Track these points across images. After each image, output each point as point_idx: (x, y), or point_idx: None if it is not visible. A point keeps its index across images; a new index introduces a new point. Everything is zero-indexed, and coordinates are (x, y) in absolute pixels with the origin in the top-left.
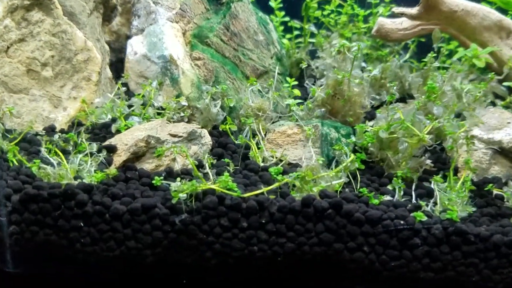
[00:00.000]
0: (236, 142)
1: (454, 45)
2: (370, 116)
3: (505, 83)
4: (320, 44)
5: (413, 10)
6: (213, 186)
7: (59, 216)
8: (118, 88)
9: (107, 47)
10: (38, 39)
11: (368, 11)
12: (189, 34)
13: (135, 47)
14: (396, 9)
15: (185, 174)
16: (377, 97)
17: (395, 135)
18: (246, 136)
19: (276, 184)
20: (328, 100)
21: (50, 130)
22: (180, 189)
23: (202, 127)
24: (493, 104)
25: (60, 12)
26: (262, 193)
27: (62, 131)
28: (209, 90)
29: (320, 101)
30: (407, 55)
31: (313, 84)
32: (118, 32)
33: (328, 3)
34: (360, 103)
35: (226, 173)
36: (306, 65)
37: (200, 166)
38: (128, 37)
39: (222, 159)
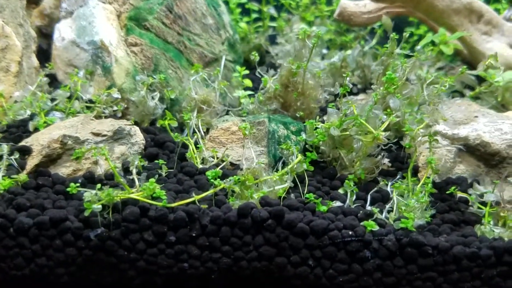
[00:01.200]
0: (176, 139)
1: (424, 30)
2: (326, 111)
3: (473, 71)
4: (281, 28)
5: None
6: (133, 195)
7: None
8: (40, 80)
9: (33, 32)
10: None
11: None
12: (125, 17)
13: (63, 32)
14: None
15: (110, 179)
16: (332, 89)
17: (347, 133)
18: (185, 133)
19: (210, 191)
20: (281, 92)
21: None
22: (94, 199)
23: (135, 122)
24: (461, 94)
25: None
26: (194, 202)
27: None
28: (145, 80)
29: (272, 93)
30: (374, 41)
31: (266, 71)
32: (51, 16)
33: None
34: (314, 97)
35: (152, 179)
36: (265, 52)
37: (128, 168)
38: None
39: (156, 161)
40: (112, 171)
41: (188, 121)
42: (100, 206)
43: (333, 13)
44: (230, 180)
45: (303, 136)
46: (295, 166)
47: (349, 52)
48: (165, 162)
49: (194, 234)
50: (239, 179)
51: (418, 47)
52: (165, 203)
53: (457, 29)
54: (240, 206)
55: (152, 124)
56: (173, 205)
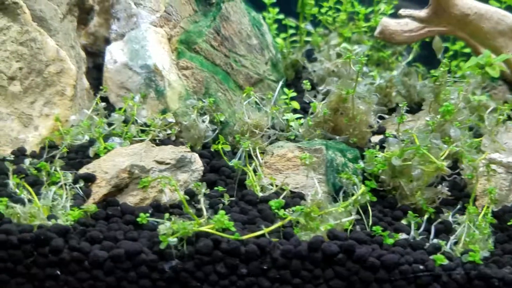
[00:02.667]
0: (230, 164)
1: (460, 45)
2: (377, 131)
3: None
4: (317, 43)
5: (422, 13)
6: (207, 228)
7: (32, 264)
8: (97, 103)
9: (83, 54)
10: (3, 49)
11: (370, 9)
12: (176, 40)
13: (115, 54)
14: (403, 11)
15: (175, 207)
16: (386, 116)
17: (409, 163)
18: (240, 158)
19: (278, 224)
20: (330, 116)
21: (20, 153)
22: (169, 232)
23: (190, 146)
24: (509, 117)
25: (28, 17)
26: (263, 235)
27: (33, 154)
28: (195, 104)
29: (321, 117)
30: (410, 56)
31: (314, 96)
32: (95, 34)
33: (325, 0)
34: (366, 121)
35: (221, 211)
36: (302, 68)
37: (191, 195)
38: (107, 40)
39: (215, 187)
40: (178, 200)
41: (246, 148)
42: (175, 239)
43: (371, 29)
44: (296, 212)
45: (361, 164)
46: (359, 197)
47: (395, 72)
48: (225, 190)
49: (265, 267)
50: (303, 209)
51: (468, 72)
52: (237, 236)
53: (501, 51)
54: (311, 241)
55: (204, 148)
56: (244, 237)
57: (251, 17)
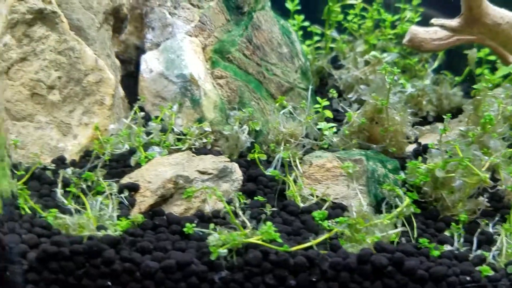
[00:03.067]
0: (267, 173)
1: (485, 53)
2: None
3: None
4: (341, 50)
5: (454, 22)
6: (256, 240)
7: (83, 275)
8: (135, 113)
9: (118, 62)
10: (42, 58)
11: (396, 17)
12: (210, 50)
13: (150, 63)
14: (435, 21)
15: (217, 217)
16: (423, 128)
17: (452, 174)
18: (276, 168)
19: (325, 236)
20: (366, 126)
21: (60, 162)
22: (219, 243)
23: (228, 156)
24: None
25: (66, 26)
26: (311, 246)
27: (73, 162)
28: (237, 115)
29: (357, 127)
30: (436, 63)
31: (349, 105)
32: (126, 42)
33: (351, 7)
34: (402, 132)
35: (269, 223)
36: (328, 75)
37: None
38: (138, 48)
39: (255, 197)
40: (220, 208)
41: (287, 158)
42: (225, 250)
43: (396, 36)
44: (341, 223)
45: (402, 175)
46: (404, 209)
47: (427, 81)
48: (265, 200)
49: (314, 279)
50: (349, 221)
51: (507, 85)
52: (286, 248)
53: None
54: (360, 253)
55: (240, 157)
56: (293, 249)
57: (280, 26)
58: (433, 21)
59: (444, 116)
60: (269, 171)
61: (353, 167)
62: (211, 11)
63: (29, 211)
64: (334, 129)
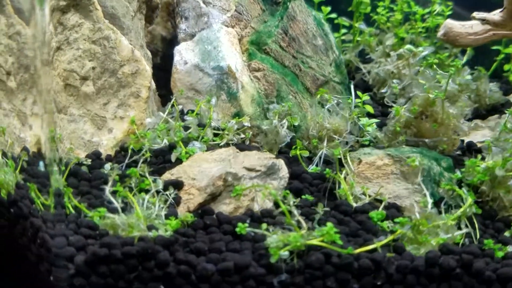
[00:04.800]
0: (309, 170)
1: None
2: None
3: None
4: (368, 44)
5: (496, 17)
6: (317, 242)
7: (135, 279)
8: (173, 106)
9: (149, 53)
10: (75, 47)
11: (427, 10)
12: (246, 41)
13: (185, 55)
14: (477, 14)
15: (267, 216)
16: (482, 124)
17: (511, 173)
18: (318, 165)
19: (390, 238)
20: (413, 121)
21: (95, 157)
22: (279, 244)
23: (266, 151)
24: None
25: (100, 14)
26: (375, 249)
27: (109, 157)
28: (276, 108)
29: (403, 122)
30: (465, 58)
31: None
32: (152, 32)
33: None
34: (455, 127)
35: (329, 224)
36: (355, 68)
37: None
38: (165, 38)
39: (303, 196)
40: (268, 207)
41: (338, 156)
42: (286, 252)
43: (426, 29)
44: (403, 224)
45: (458, 173)
46: (467, 210)
47: (468, 77)
48: (314, 199)
49: (378, 283)
50: (413, 224)
51: None
52: (350, 250)
53: None
54: (429, 256)
55: (280, 153)
56: (356, 251)
57: (313, 17)
58: (474, 14)
59: (484, 112)
60: (311, 168)
61: (421, 159)
62: (246, 0)
63: (73, 211)
64: (374, 125)
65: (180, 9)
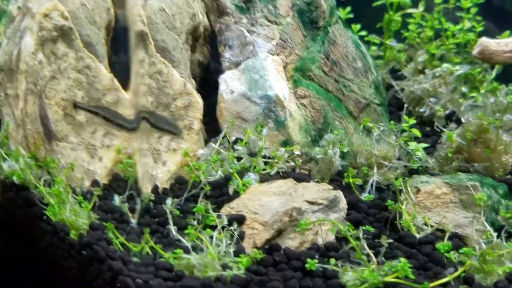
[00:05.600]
0: (363, 198)
1: None
2: None
3: None
4: (398, 60)
5: None
6: (392, 278)
7: None
8: (224, 137)
9: (194, 83)
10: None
11: (458, 27)
12: (291, 68)
13: (231, 84)
14: None
15: (331, 250)
16: None
17: None
18: (370, 193)
19: (461, 270)
20: (465, 146)
21: (155, 191)
22: (356, 283)
23: (319, 180)
24: None
25: (153, 48)
26: (448, 281)
27: (165, 191)
28: (331, 138)
29: (455, 147)
30: (494, 73)
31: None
32: (190, 59)
33: (409, 16)
34: (508, 152)
35: (403, 259)
36: (387, 86)
37: (340, 238)
38: (202, 64)
39: (363, 227)
40: (331, 240)
41: (399, 187)
42: None
43: (457, 45)
44: (469, 254)
45: None
46: None
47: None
48: (374, 230)
49: None
50: (480, 253)
51: None
52: (426, 285)
53: None
54: (498, 285)
55: (331, 181)
56: (431, 285)
57: (352, 39)
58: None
59: None
60: (365, 197)
61: (487, 199)
62: (289, 27)
63: (149, 252)
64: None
65: (223, 37)
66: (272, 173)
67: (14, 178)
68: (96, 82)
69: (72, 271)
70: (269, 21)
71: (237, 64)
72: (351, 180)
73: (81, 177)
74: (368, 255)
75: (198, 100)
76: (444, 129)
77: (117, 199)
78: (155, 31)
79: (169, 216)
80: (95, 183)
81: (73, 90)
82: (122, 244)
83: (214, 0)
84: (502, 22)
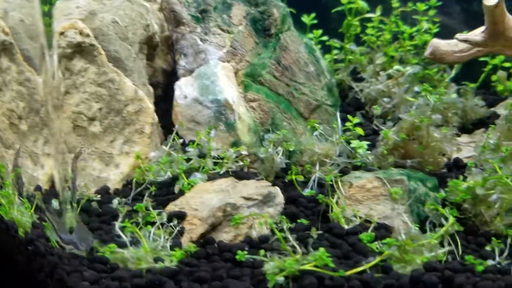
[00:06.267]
0: (304, 194)
1: (500, 60)
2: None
3: None
4: (360, 63)
5: (478, 37)
6: (310, 267)
7: None
8: (174, 140)
9: (151, 89)
10: (82, 91)
11: (415, 28)
12: (242, 74)
13: (185, 90)
14: (460, 36)
15: (264, 242)
16: (468, 139)
17: (492, 191)
18: (312, 188)
19: (378, 259)
20: (401, 143)
21: (104, 192)
22: (275, 270)
23: (264, 177)
24: None
25: (104, 58)
26: (365, 270)
27: (116, 192)
28: (271, 137)
29: (391, 144)
30: (453, 73)
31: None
32: (153, 66)
33: (368, 20)
34: (440, 149)
35: (322, 249)
36: (348, 88)
37: (278, 230)
38: (165, 71)
39: (298, 220)
40: (265, 233)
41: (329, 182)
42: (283, 278)
43: (415, 47)
44: (390, 245)
45: (442, 192)
46: (449, 228)
47: (454, 95)
48: (309, 222)
49: None
50: (400, 244)
51: None
52: (342, 273)
53: None
54: (413, 274)
55: (276, 178)
56: (347, 273)
57: (305, 44)
58: (457, 36)
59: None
60: (306, 192)
61: (400, 192)
62: (240, 35)
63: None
64: (366, 147)
65: (179, 46)
66: (221, 172)
67: None
68: (118, 94)
69: (22, 265)
70: (222, 29)
71: (191, 71)
72: (294, 177)
73: (27, 182)
74: (293, 246)
75: (149, 105)
76: (383, 127)
77: (54, 203)
78: (107, 42)
79: (121, 215)
80: (37, 188)
81: (88, 103)
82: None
83: (172, 11)
84: (461, 16)
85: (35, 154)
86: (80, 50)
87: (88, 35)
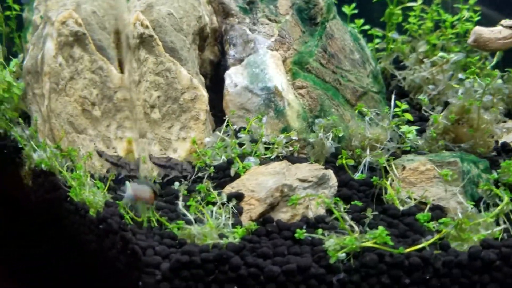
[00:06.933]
0: (355, 177)
1: None
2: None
3: None
4: (402, 51)
5: None
6: (371, 243)
7: (212, 281)
8: (227, 125)
9: (203, 79)
10: (145, 80)
11: (456, 17)
12: (290, 62)
13: (235, 78)
14: (505, 22)
15: (321, 222)
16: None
17: None
18: (363, 172)
19: (437, 236)
20: (451, 127)
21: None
22: (337, 247)
23: (314, 161)
24: None
25: (161, 49)
26: (424, 247)
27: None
28: (322, 122)
29: (441, 128)
30: (494, 60)
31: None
32: (201, 57)
33: (410, 9)
34: (490, 131)
35: (381, 227)
36: (390, 76)
37: (331, 210)
38: (213, 62)
39: (352, 202)
40: (321, 214)
41: (383, 164)
42: (344, 254)
43: (456, 35)
44: (446, 224)
45: (494, 174)
46: (504, 207)
47: (499, 81)
48: (363, 204)
49: (427, 277)
50: (456, 223)
51: None
52: (401, 250)
53: None
54: (471, 251)
55: (327, 163)
56: (407, 250)
57: (350, 33)
58: (502, 22)
59: None
60: (357, 176)
61: (452, 175)
62: (288, 24)
63: (156, 224)
64: (415, 132)
65: (228, 37)
66: (272, 157)
67: (43, 166)
68: (175, 83)
69: (93, 244)
70: (269, 19)
71: (240, 60)
72: (344, 161)
73: (100, 164)
74: (351, 226)
75: (203, 93)
76: (432, 113)
77: (127, 184)
78: (164, 33)
79: (180, 195)
80: (109, 170)
81: (149, 91)
82: (131, 218)
83: (220, 3)
84: (499, 5)
85: (108, 138)
86: (142, 41)
87: (147, 27)
